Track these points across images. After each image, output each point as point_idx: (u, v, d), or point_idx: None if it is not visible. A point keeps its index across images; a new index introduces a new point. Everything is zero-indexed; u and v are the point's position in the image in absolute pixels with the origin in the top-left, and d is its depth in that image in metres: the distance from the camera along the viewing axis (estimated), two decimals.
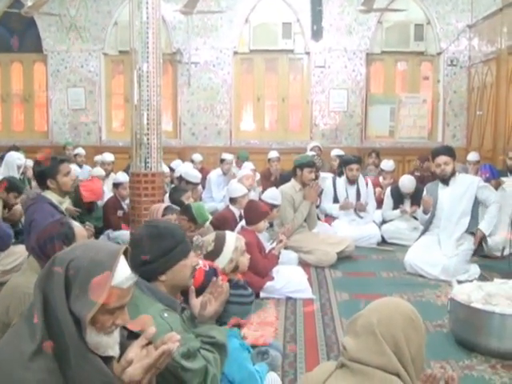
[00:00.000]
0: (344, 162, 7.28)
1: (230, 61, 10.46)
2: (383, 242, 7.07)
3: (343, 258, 6.31)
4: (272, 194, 5.91)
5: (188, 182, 6.78)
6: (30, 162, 8.54)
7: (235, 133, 10.70)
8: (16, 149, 9.60)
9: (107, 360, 1.89)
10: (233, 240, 3.65)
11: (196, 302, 2.77)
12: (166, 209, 4.82)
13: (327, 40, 9.97)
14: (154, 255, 2.53)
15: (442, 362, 3.68)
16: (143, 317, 2.30)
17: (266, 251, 5.35)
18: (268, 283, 5.10)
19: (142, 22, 5.55)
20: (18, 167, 7.78)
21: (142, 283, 2.54)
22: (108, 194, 7.94)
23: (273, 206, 5.74)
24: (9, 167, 7.63)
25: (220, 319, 2.87)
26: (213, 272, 3.12)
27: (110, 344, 1.88)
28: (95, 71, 10.66)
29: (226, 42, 10.36)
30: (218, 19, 10.17)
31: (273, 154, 9.15)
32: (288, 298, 5.06)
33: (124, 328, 2.07)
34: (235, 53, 10.47)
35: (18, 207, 6.14)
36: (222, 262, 3.59)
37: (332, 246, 6.24)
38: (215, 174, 8.84)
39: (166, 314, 2.50)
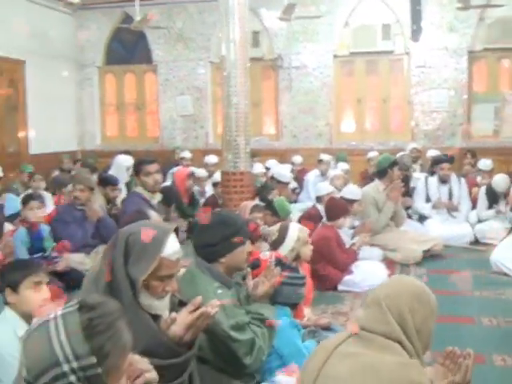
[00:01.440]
0: (435, 162, 7.30)
1: (330, 64, 10.70)
2: (476, 241, 7.00)
3: (432, 256, 6.37)
4: (350, 190, 6.11)
5: (278, 182, 7.10)
6: None
7: (335, 134, 10.92)
8: (128, 153, 10.42)
9: (156, 318, 2.25)
10: (295, 230, 3.92)
11: (251, 282, 3.09)
12: (254, 207, 5.17)
13: (427, 39, 9.95)
14: (217, 239, 2.88)
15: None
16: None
17: (347, 247, 5.58)
18: (347, 277, 5.31)
19: (229, 31, 5.97)
20: (127, 169, 8.47)
21: (202, 264, 2.91)
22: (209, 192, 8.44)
23: (352, 201, 5.93)
24: (118, 169, 8.34)
25: (273, 299, 3.17)
26: (278, 261, 3.41)
27: (160, 307, 2.24)
28: (202, 79, 11.31)
29: (326, 46, 10.61)
30: (317, 24, 10.44)
31: (372, 154, 9.28)
32: (367, 291, 5.23)
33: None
34: (335, 56, 10.70)
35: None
36: (284, 251, 3.88)
37: (418, 244, 6.31)
38: (313, 175, 9.11)
39: (219, 291, 2.84)
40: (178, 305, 2.43)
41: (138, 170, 5.36)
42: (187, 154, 10.22)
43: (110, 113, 12.14)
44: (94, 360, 1.35)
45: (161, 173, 5.57)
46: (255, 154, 10.00)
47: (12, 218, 6.02)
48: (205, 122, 11.44)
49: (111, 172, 8.45)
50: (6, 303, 3.01)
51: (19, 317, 2.91)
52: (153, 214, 3.71)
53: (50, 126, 10.75)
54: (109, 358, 1.38)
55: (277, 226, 4.02)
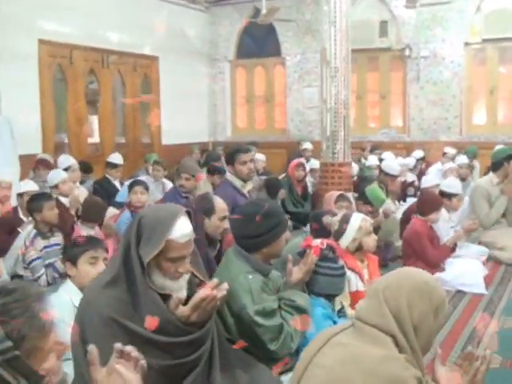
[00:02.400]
0: None
1: (460, 52, 10.18)
2: None
3: None
4: (450, 183, 5.80)
5: (386, 174, 6.94)
6: (260, 156, 9.53)
7: (466, 127, 10.37)
8: (255, 144, 10.72)
9: (168, 298, 2.35)
10: (358, 220, 3.85)
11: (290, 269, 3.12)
12: (339, 197, 5.15)
13: None
14: (262, 231, 2.93)
15: None
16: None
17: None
18: (437, 274, 5.08)
19: (330, 22, 5.93)
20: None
21: (240, 252, 2.98)
22: None
23: (451, 195, 5.64)
24: None
25: (310, 288, 3.17)
26: (330, 249, 3.40)
27: (174, 287, 2.34)
28: None
29: (457, 34, 10.11)
30: (447, 10, 9.99)
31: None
32: (458, 291, 4.99)
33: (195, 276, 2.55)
34: (466, 44, 10.16)
35: None
36: (345, 241, 3.84)
37: None
38: (435, 169, 8.77)
39: (250, 276, 2.90)
40: (198, 286, 2.53)
41: (233, 158, 5.52)
42: (309, 146, 10.29)
43: (240, 105, 12.53)
44: (9, 344, 1.42)
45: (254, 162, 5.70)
46: (376, 147, 9.85)
47: (121, 205, 6.47)
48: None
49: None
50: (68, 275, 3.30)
51: (77, 289, 3.17)
52: (217, 199, 3.82)
53: (182, 119, 11.32)
54: (26, 340, 1.45)
55: (339, 216, 3.97)
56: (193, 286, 2.50)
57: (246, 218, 2.99)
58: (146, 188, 5.91)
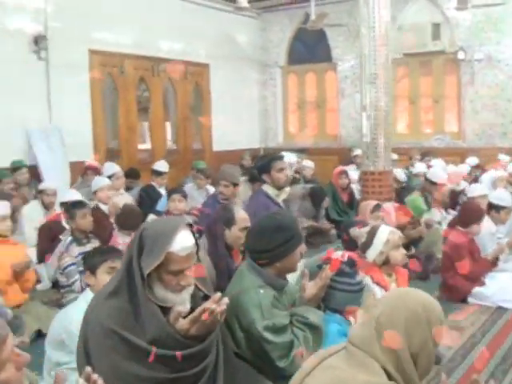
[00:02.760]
0: None
1: None
2: None
3: None
4: (500, 195, 5.54)
5: (432, 182, 6.73)
6: (309, 163, 9.44)
7: None
8: (304, 151, 10.66)
9: (169, 310, 2.32)
10: (385, 233, 3.73)
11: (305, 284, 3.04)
12: (375, 206, 5.03)
13: None
14: (274, 245, 2.85)
15: None
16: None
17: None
18: (477, 289, 4.88)
19: (369, 27, 5.81)
20: (290, 166, 8.65)
21: (252, 265, 2.93)
22: None
23: (499, 207, 5.39)
24: None
25: (326, 304, 3.08)
26: (350, 263, 3.31)
27: (176, 300, 2.31)
28: None
29: None
30: (501, 12, 9.63)
31: None
32: (498, 307, 4.77)
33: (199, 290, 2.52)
34: None
35: None
36: (372, 254, 3.73)
37: None
38: (488, 176, 8.47)
39: (261, 291, 2.84)
40: (203, 299, 2.50)
41: (269, 166, 5.44)
42: (359, 152, 10.10)
43: (291, 111, 12.47)
44: None
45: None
46: (427, 154, 9.58)
47: (161, 213, 6.53)
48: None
49: None
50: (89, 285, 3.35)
51: None
52: (238, 210, 3.78)
53: (233, 125, 11.36)
54: None
55: (367, 228, 3.86)
56: (197, 300, 2.47)
57: (258, 231, 2.93)
58: (184, 196, 5.95)
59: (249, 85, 12.01)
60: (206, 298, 2.47)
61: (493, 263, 5.01)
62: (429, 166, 8.11)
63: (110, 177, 6.73)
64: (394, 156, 9.59)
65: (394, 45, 10.69)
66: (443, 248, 5.10)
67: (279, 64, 12.21)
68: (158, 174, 7.59)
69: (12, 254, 4.47)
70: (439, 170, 6.97)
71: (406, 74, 11.11)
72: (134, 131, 9.62)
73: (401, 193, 6.01)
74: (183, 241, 2.28)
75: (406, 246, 5.53)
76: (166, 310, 2.32)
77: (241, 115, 11.70)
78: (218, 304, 2.29)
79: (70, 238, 4.87)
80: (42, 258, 5.36)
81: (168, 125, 10.71)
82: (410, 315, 1.90)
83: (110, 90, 9.46)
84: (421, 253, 5.77)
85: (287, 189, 5.20)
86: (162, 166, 7.66)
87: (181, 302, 2.34)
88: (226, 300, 2.33)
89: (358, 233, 3.89)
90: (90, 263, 3.31)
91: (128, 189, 8.01)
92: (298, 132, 12.38)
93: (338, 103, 11.65)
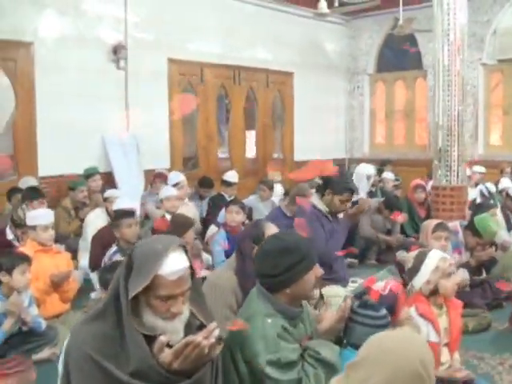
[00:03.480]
0: None
1: None
2: None
3: None
4: None
5: (509, 196, 6.05)
6: (390, 175, 8.93)
7: None
8: (388, 162, 10.10)
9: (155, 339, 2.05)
10: (435, 259, 3.26)
11: (321, 314, 2.68)
12: (437, 226, 4.52)
13: None
14: (280, 270, 2.53)
15: None
16: (239, 322, 2.43)
17: None
18: None
19: (443, 31, 5.28)
20: (368, 178, 8.20)
21: (262, 291, 2.61)
22: None
23: None
24: (358, 178, 8.12)
25: (347, 338, 2.70)
26: (391, 298, 2.92)
27: (167, 329, 2.05)
28: (473, 83, 10.31)
29: None
30: None
31: None
32: None
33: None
34: None
35: None
36: (418, 282, 3.29)
37: None
38: None
39: (269, 320, 2.52)
40: (198, 328, 2.20)
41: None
42: None
43: (379, 120, 11.90)
44: None
45: None
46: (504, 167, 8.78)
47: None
48: (474, 130, 10.41)
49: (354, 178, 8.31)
50: None
51: None
52: (269, 227, 3.44)
53: (317, 134, 11.01)
54: None
55: (415, 252, 3.39)
56: (192, 329, 2.17)
57: (262, 254, 2.60)
58: (243, 207, 5.69)
59: (334, 93, 11.59)
60: (202, 327, 2.17)
61: None
62: None
63: (174, 186, 6.60)
64: (482, 169, 8.89)
65: (487, 51, 9.96)
66: None
67: (367, 72, 11.69)
68: (228, 184, 7.39)
69: (54, 262, 4.39)
70: None
71: (500, 81, 10.26)
72: (212, 139, 9.49)
73: (476, 211, 5.40)
74: (174, 263, 2.01)
75: (477, 270, 4.97)
76: (153, 339, 2.05)
77: (325, 124, 11.31)
78: (207, 336, 2.00)
79: (115, 248, 4.73)
80: (95, 266, 5.27)
81: (250, 134, 10.52)
82: (411, 379, 1.52)
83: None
84: (492, 278, 5.16)
85: None
86: (231, 176, 7.47)
87: (172, 330, 2.07)
88: (216, 333, 2.02)
89: (405, 257, 3.43)
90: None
91: (201, 198, 7.89)
92: (385, 142, 11.80)
93: (428, 112, 10.95)
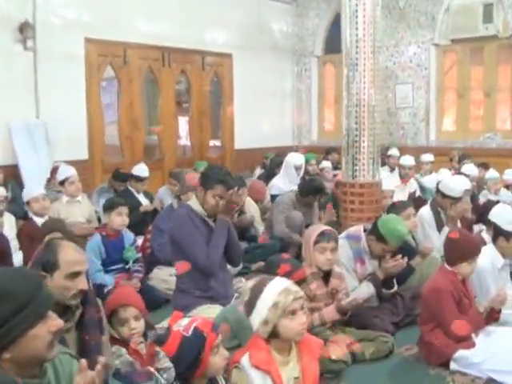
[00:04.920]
0: None
1: None
2: None
3: None
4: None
5: (444, 196, 5.24)
6: (327, 164, 8.14)
7: None
8: (333, 150, 9.31)
9: None
10: (274, 292, 2.44)
11: None
12: (320, 234, 3.70)
13: None
14: None
15: None
16: None
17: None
18: (461, 352, 3.45)
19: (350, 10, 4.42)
20: (296, 168, 7.40)
21: None
22: None
23: (509, 234, 3.89)
24: (287, 168, 7.30)
25: None
26: (198, 340, 2.13)
27: None
28: (424, 65, 9.50)
29: None
30: None
31: None
32: (490, 380, 3.33)
33: None
34: None
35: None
36: (254, 321, 2.46)
37: None
38: None
39: None
40: None
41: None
42: (394, 152, 8.65)
43: (328, 105, 11.05)
44: None
45: None
46: (466, 156, 7.99)
47: None
48: (427, 115, 9.61)
49: (281, 171, 7.51)
50: None
51: None
52: (69, 249, 2.61)
53: (260, 120, 10.20)
54: None
55: (252, 281, 2.57)
56: None
57: None
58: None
59: (280, 76, 10.72)
60: None
61: (490, 317, 3.53)
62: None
63: (62, 182, 5.74)
64: (430, 158, 8.15)
65: (439, 30, 9.15)
66: (423, 291, 3.68)
67: (315, 53, 10.81)
68: (137, 179, 6.55)
69: None
70: (452, 181, 5.36)
71: (454, 62, 9.44)
72: (137, 127, 8.61)
73: (390, 210, 4.59)
74: None
75: (387, 282, 4.18)
76: None
77: (270, 109, 10.47)
78: None
79: None
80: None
81: (182, 120, 9.63)
82: None
83: (110, 81, 8.54)
84: (407, 290, 4.37)
85: None
86: (141, 170, 6.61)
87: None
88: None
89: (241, 287, 2.62)
90: None
91: (116, 192, 7.04)
92: (334, 128, 10.94)
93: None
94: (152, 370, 2.42)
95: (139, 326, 2.95)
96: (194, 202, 3.95)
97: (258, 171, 9.37)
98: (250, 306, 2.49)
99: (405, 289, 4.41)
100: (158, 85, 8.89)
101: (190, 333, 2.22)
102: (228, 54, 9.68)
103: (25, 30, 7.21)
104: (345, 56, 4.57)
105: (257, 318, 2.46)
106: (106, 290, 4.54)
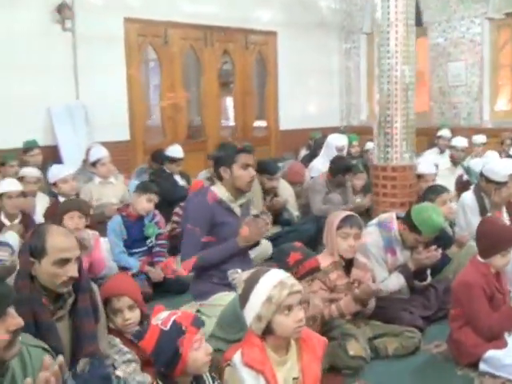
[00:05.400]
0: None
1: None
2: None
3: None
4: None
5: (489, 181, 4.84)
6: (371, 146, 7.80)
7: None
8: None
9: None
10: (268, 285, 2.23)
11: None
12: (344, 219, 3.46)
13: None
14: None
15: None
16: None
17: None
18: (492, 352, 3.15)
19: None
20: (338, 150, 7.11)
21: None
22: None
23: None
24: (328, 150, 7.04)
25: None
26: (177, 334, 1.99)
27: None
28: (477, 41, 8.95)
29: None
30: None
31: None
32: None
33: None
34: None
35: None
36: (248, 316, 2.27)
37: None
38: None
39: None
40: None
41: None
42: (445, 133, 8.20)
43: None
44: None
45: None
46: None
47: None
48: (480, 94, 9.07)
49: (322, 152, 7.24)
50: None
51: None
52: (58, 233, 2.48)
53: (306, 100, 9.91)
54: None
55: (247, 272, 2.36)
56: None
57: None
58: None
59: (327, 55, 10.34)
60: None
61: None
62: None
63: (94, 163, 5.68)
64: (482, 139, 7.70)
65: (493, 3, 8.57)
66: (453, 285, 3.39)
67: (364, 30, 10.37)
68: (171, 160, 6.43)
69: None
70: (498, 165, 4.96)
71: (509, 38, 8.85)
72: (179, 108, 8.49)
73: (425, 196, 4.25)
74: None
75: (420, 273, 3.90)
76: None
77: (316, 89, 10.14)
78: None
79: None
80: None
81: (227, 100, 9.47)
82: None
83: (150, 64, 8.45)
84: (441, 282, 4.07)
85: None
86: (175, 151, 6.48)
87: None
88: None
89: (237, 278, 2.41)
90: None
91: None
92: None
93: (430, 76, 9.64)
94: (119, 373, 2.28)
95: (134, 316, 2.81)
96: (218, 187, 3.73)
97: (303, 153, 9.12)
98: (244, 299, 2.29)
99: (439, 280, 4.11)
100: (201, 65, 8.71)
101: (169, 326, 2.06)
102: (273, 31, 9.40)
103: (63, 10, 7.18)
104: (376, 28, 4.26)
105: (250, 313, 2.26)
106: (130, 274, 4.47)
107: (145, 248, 4.67)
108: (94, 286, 2.71)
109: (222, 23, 8.68)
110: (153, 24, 7.98)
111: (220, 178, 3.66)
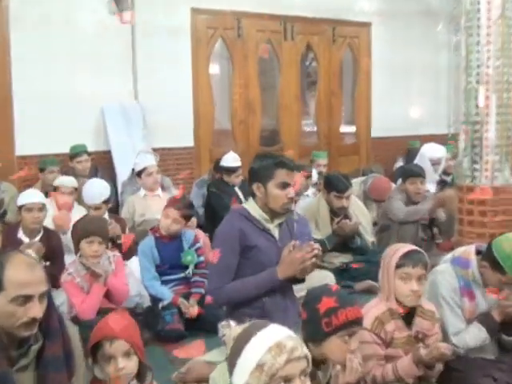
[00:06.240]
0: None
1: None
2: None
3: None
4: None
5: None
6: None
7: None
8: None
9: None
10: (260, 348, 1.86)
11: None
12: (406, 256, 3.03)
13: None
14: None
15: None
16: None
17: None
18: None
19: None
20: (434, 162, 6.69)
21: None
22: None
23: None
24: (422, 162, 6.62)
25: None
26: None
27: None
28: None
29: None
30: None
31: None
32: None
33: None
34: None
35: None
36: (236, 382, 1.94)
37: None
38: None
39: None
40: None
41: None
42: None
43: None
44: None
45: None
46: None
47: None
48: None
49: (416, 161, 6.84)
50: None
51: None
52: (17, 269, 2.25)
53: (405, 103, 9.50)
54: None
55: (239, 328, 2.02)
56: None
57: None
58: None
59: (434, 49, 9.79)
60: None
61: None
62: None
63: (139, 173, 5.55)
64: None
65: None
66: None
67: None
68: (227, 170, 6.21)
69: None
70: None
71: None
72: (253, 110, 8.29)
73: None
74: None
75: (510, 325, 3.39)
76: None
77: (418, 90, 9.70)
78: None
79: None
80: None
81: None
82: None
83: (222, 59, 8.33)
84: None
85: None
86: (230, 160, 6.26)
87: None
88: None
89: (225, 333, 2.07)
90: None
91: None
92: None
93: None
94: None
95: (129, 365, 2.52)
96: (251, 206, 3.43)
97: (399, 164, 8.70)
98: (231, 364, 1.95)
99: None
100: (279, 61, 8.48)
101: None
102: (366, 22, 9.05)
103: (121, 1, 7.17)
104: (464, 17, 3.80)
105: (237, 381, 1.92)
106: (160, 305, 4.25)
107: (181, 275, 4.43)
108: (72, 329, 2.47)
109: (305, 13, 8.40)
110: (224, 15, 7.84)
111: (253, 195, 3.38)
